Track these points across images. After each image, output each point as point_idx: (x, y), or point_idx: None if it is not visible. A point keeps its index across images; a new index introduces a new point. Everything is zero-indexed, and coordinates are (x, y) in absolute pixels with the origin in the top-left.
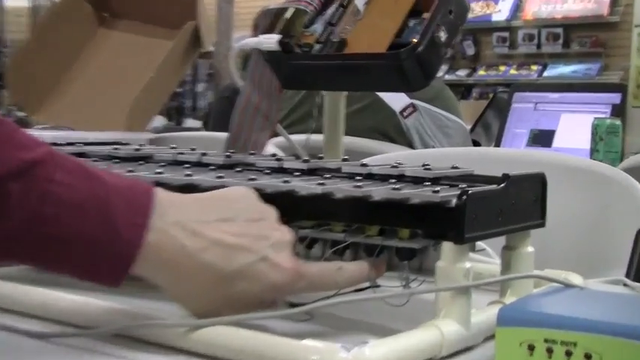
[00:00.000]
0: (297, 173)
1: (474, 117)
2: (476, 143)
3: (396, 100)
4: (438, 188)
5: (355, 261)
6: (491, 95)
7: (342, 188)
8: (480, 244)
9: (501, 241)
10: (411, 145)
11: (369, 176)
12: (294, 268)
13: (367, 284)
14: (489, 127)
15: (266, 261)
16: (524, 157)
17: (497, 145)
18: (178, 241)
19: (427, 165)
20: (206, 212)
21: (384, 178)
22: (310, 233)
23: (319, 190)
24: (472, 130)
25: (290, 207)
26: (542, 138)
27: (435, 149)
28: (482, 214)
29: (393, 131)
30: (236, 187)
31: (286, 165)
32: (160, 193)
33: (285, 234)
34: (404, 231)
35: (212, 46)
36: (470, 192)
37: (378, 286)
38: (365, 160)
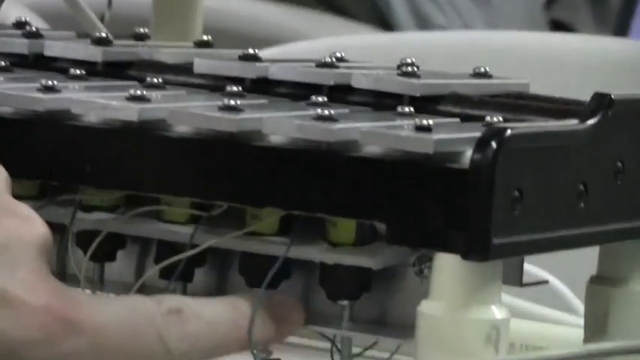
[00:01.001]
0: (79, 72)
1: None
2: (561, 27)
3: None
4: (430, 121)
5: (221, 297)
6: None
7: (190, 112)
8: (534, 271)
9: (585, 262)
10: (383, 19)
11: (262, 87)
12: (55, 308)
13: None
14: None
15: None
16: None
17: (621, 33)
18: None
19: (409, 64)
20: None
21: (298, 94)
22: (107, 223)
23: (134, 113)
24: None
25: (58, 155)
26: None
27: (440, 33)
28: (536, 191)
29: None
30: None
31: (50, 51)
32: None
33: (30, 227)
34: (342, 225)
35: None
36: (509, 132)
37: None
38: (261, 52)
